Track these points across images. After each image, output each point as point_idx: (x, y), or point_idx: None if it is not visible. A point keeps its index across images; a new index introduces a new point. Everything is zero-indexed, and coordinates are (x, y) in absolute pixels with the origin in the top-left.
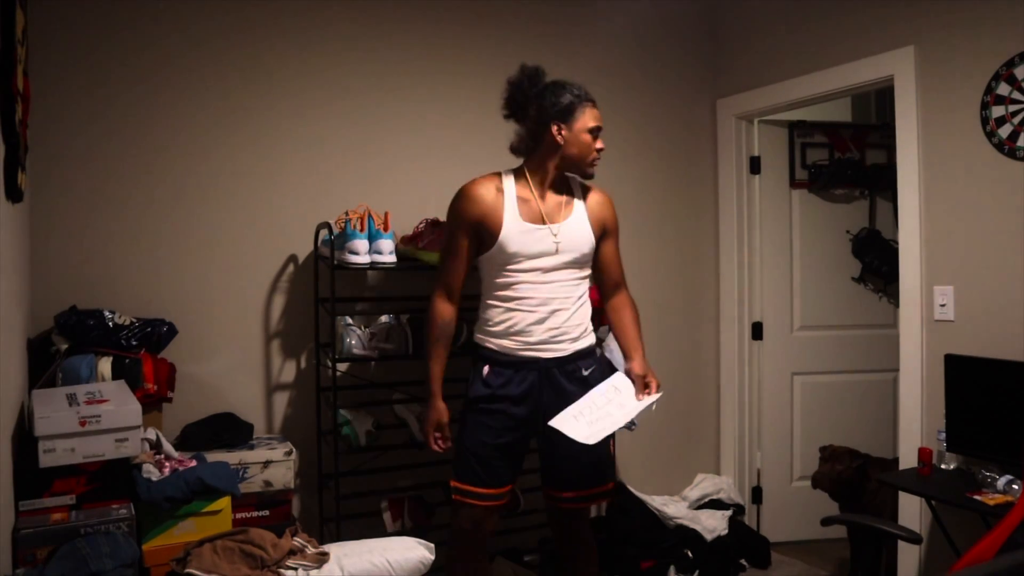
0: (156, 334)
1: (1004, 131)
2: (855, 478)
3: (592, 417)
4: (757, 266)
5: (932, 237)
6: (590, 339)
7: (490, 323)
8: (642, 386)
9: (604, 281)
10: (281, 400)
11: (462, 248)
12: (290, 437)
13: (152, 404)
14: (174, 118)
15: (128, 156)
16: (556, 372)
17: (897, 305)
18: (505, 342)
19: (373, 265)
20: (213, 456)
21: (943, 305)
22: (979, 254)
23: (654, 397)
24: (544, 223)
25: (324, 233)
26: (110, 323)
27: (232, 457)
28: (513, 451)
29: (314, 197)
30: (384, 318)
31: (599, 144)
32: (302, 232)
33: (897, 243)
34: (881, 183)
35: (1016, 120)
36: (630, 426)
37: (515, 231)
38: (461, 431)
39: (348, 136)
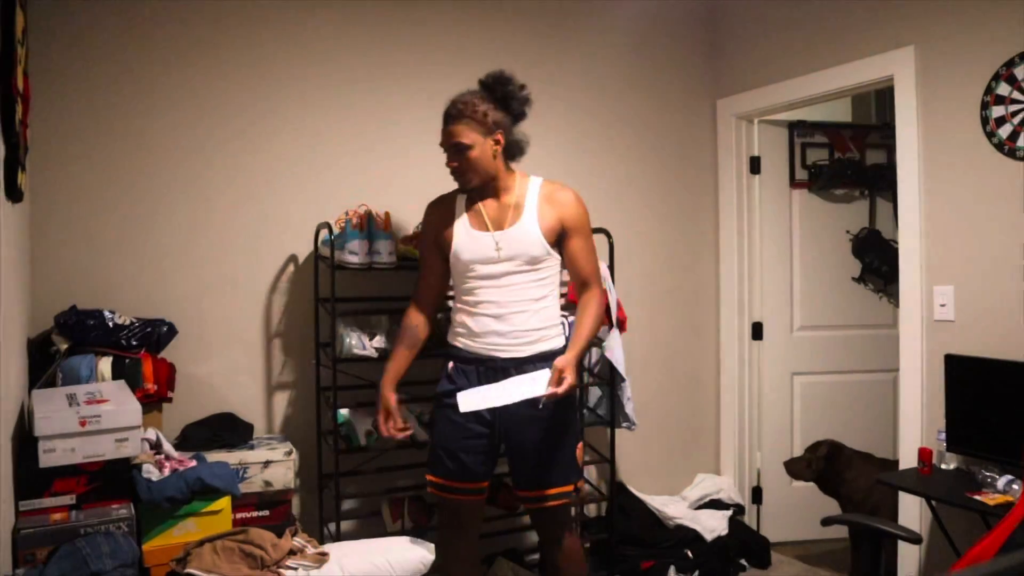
0: (156, 334)
1: (1004, 131)
2: (822, 468)
3: (490, 395)
4: (757, 266)
5: (932, 237)
6: (554, 342)
7: (455, 326)
8: (556, 379)
9: (572, 278)
10: (281, 400)
11: (426, 262)
12: (290, 437)
13: (152, 404)
14: (174, 118)
15: (128, 156)
16: (514, 372)
17: (897, 305)
18: (468, 342)
19: (372, 265)
20: (213, 456)
21: (943, 305)
22: (979, 254)
23: (544, 391)
24: (489, 230)
25: (324, 233)
26: (110, 323)
27: (232, 457)
28: (481, 447)
29: (314, 197)
30: (384, 318)
31: (448, 161)
32: (302, 232)
33: (897, 243)
34: (881, 183)
35: (1016, 120)
36: (630, 426)
37: (464, 240)
38: (431, 426)
39: (349, 136)
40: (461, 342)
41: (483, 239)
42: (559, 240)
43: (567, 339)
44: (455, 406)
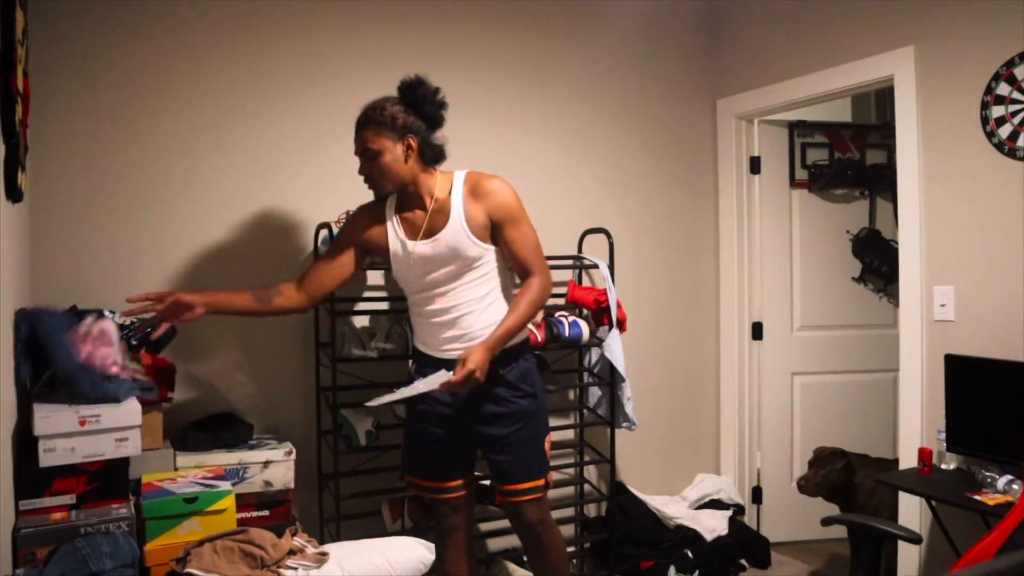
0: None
1: (1004, 131)
2: (841, 479)
3: (397, 392)
4: (757, 266)
5: (932, 237)
6: (512, 340)
7: (414, 333)
8: (461, 365)
9: (514, 268)
10: (281, 400)
11: (331, 256)
12: (290, 437)
13: (152, 404)
14: (174, 118)
15: (128, 155)
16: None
17: (897, 305)
18: (427, 348)
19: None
20: (213, 456)
21: (943, 305)
22: (979, 254)
23: (431, 380)
24: (422, 238)
25: (324, 233)
26: None
27: (232, 457)
28: (452, 446)
29: (314, 197)
30: (384, 318)
31: (360, 169)
32: (302, 232)
33: (897, 243)
34: (881, 183)
35: (1016, 120)
36: (630, 426)
37: (400, 256)
38: (405, 429)
39: (348, 136)
40: (422, 347)
41: (422, 252)
42: (493, 232)
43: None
44: (421, 410)
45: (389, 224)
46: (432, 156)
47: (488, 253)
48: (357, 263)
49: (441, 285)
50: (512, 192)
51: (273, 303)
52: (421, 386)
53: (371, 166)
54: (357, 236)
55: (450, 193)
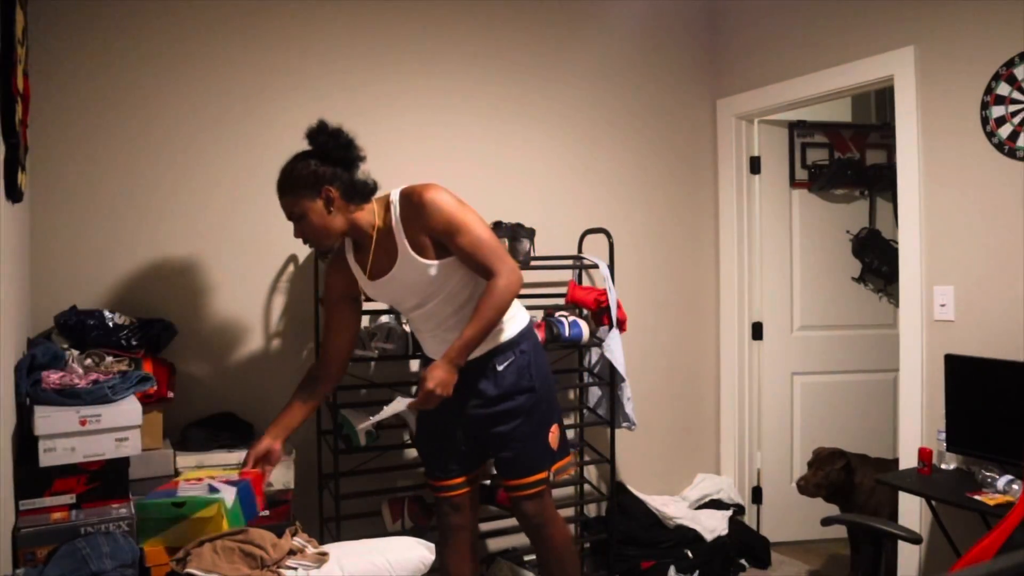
0: (156, 334)
1: (1004, 131)
2: (840, 480)
3: (379, 413)
4: (757, 266)
5: (932, 237)
6: (504, 335)
7: (417, 338)
8: (421, 383)
9: (476, 273)
10: (281, 400)
11: (332, 321)
12: (290, 437)
13: (152, 404)
14: (174, 117)
15: (128, 155)
16: (467, 371)
17: (897, 305)
18: (434, 356)
19: None
20: (213, 456)
21: (943, 305)
22: (979, 254)
23: (397, 404)
24: (382, 275)
25: None
26: (110, 323)
27: (232, 457)
28: (448, 444)
29: None
30: (384, 318)
31: (295, 233)
32: None
33: (897, 243)
34: (881, 183)
35: (1016, 120)
36: (630, 426)
37: (370, 292)
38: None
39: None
40: (432, 355)
41: (386, 288)
42: (444, 243)
43: (531, 320)
44: (427, 412)
45: (353, 267)
46: (361, 195)
47: (449, 264)
48: (359, 311)
49: (421, 306)
50: (444, 201)
51: (320, 393)
52: (387, 411)
53: (301, 228)
54: (339, 293)
55: (392, 223)
